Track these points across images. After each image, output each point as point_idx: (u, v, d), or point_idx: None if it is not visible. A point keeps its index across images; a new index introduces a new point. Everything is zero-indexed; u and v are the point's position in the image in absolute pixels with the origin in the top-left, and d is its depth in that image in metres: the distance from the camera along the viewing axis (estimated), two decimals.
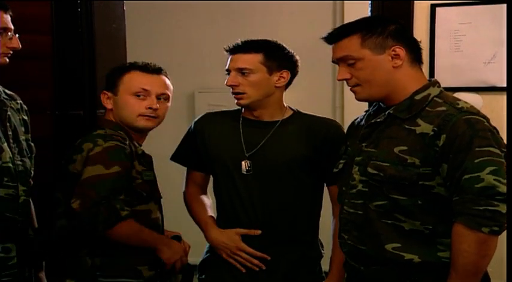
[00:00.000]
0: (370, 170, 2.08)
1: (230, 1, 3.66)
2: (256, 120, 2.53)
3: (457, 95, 2.82)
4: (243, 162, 2.48)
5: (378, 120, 2.12)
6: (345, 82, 2.17)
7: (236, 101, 2.49)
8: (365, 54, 2.08)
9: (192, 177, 2.68)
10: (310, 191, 2.56)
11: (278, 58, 2.49)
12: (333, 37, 2.14)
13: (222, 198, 2.55)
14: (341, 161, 2.28)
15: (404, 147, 2.02)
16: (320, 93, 3.48)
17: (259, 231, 2.47)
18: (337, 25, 2.73)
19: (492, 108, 2.87)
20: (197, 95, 4.51)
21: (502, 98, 2.89)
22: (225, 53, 2.51)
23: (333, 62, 2.20)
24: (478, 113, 2.02)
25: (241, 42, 2.49)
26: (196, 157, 2.61)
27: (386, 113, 2.10)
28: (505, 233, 1.94)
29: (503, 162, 1.93)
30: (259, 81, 2.45)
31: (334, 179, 2.37)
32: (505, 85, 2.87)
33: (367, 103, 2.81)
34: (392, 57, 2.08)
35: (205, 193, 2.70)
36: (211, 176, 2.66)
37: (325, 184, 2.59)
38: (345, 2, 3.25)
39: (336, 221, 2.45)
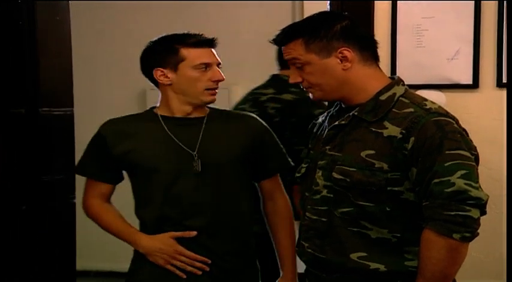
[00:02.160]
0: (335, 175, 2.07)
1: None
2: (182, 118, 2.50)
3: (420, 92, 2.86)
4: (190, 162, 2.44)
5: (343, 122, 2.12)
6: None
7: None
8: (311, 58, 2.08)
9: (98, 189, 2.58)
10: (248, 190, 2.58)
11: None
12: (279, 41, 2.15)
13: (155, 203, 2.46)
14: (303, 165, 2.27)
15: (372, 151, 2.02)
16: None
17: (195, 233, 2.43)
18: None
19: (455, 106, 2.85)
20: (149, 92, 4.38)
21: (466, 96, 2.92)
22: None
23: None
24: (446, 114, 2.04)
25: None
26: (108, 168, 2.54)
27: (351, 114, 2.10)
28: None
29: (474, 165, 1.95)
30: None
31: (265, 174, 2.52)
32: (468, 82, 2.91)
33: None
34: (340, 60, 2.07)
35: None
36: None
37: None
38: (304, 2, 3.27)
39: (271, 218, 2.59)
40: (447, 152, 1.93)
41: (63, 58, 2.83)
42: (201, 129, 2.49)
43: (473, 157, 1.97)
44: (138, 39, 4.06)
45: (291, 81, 2.18)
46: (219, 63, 2.49)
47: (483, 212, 1.93)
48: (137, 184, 2.52)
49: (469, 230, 1.89)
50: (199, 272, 2.44)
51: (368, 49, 2.13)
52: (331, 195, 2.09)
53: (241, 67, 3.48)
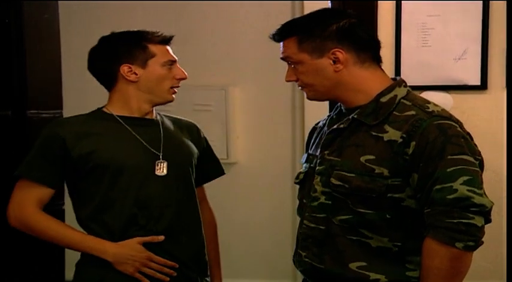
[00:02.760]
0: (333, 180, 2.03)
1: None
2: (141, 118, 2.47)
3: (425, 94, 2.84)
4: (157, 164, 2.42)
5: (342, 126, 2.08)
6: None
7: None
8: (303, 58, 2.06)
9: (37, 196, 2.42)
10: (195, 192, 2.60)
11: None
12: (276, 37, 2.13)
13: (123, 206, 2.39)
14: (301, 170, 2.23)
15: (372, 156, 1.97)
16: (278, 92, 3.47)
17: (163, 237, 2.39)
18: None
19: (463, 108, 2.88)
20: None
21: (474, 97, 2.90)
22: None
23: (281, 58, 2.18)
24: (450, 117, 1.99)
25: None
26: (57, 171, 2.41)
27: (351, 117, 2.06)
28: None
29: (478, 171, 1.91)
30: None
31: (203, 179, 2.61)
32: (476, 83, 2.88)
33: (328, 103, 2.82)
34: (333, 61, 2.04)
35: None
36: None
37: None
38: (304, 2, 3.25)
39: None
40: (450, 157, 1.88)
41: (52, 58, 2.81)
42: (161, 131, 2.48)
43: (477, 162, 1.93)
44: None
45: (286, 79, 2.17)
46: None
47: (488, 220, 1.89)
48: (97, 187, 2.40)
49: (473, 238, 1.84)
50: (168, 279, 2.40)
51: (367, 50, 2.08)
52: (330, 202, 2.05)
53: (239, 68, 3.46)
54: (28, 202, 2.41)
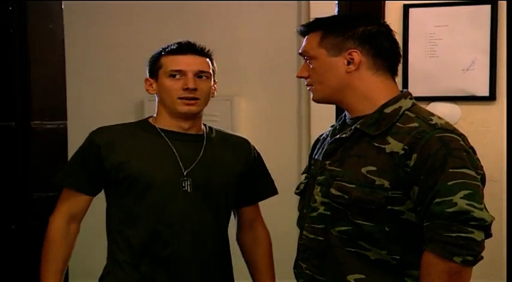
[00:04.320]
0: (333, 191, 2.05)
1: (183, 1, 3.64)
2: (183, 133, 2.49)
3: (433, 105, 2.85)
4: (183, 181, 2.42)
5: (344, 135, 2.11)
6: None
7: None
8: (320, 53, 2.10)
9: (74, 205, 2.49)
10: (228, 213, 2.59)
11: None
12: (301, 30, 2.18)
13: (139, 221, 2.43)
14: (302, 181, 2.26)
15: (373, 168, 2.00)
16: (284, 102, 3.49)
17: None
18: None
19: (471, 119, 2.86)
20: (147, 103, 4.33)
21: (482, 109, 2.88)
22: None
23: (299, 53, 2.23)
24: (453, 130, 2.01)
25: None
26: (94, 179, 2.47)
27: (353, 127, 2.09)
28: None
29: (479, 185, 1.92)
30: None
31: (248, 200, 2.59)
32: (485, 94, 2.87)
33: (334, 113, 2.86)
34: (348, 62, 2.08)
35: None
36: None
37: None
38: (310, 2, 3.26)
39: (251, 248, 2.65)
40: (451, 170, 1.90)
41: (56, 68, 2.83)
42: (202, 147, 2.49)
43: (479, 177, 1.94)
44: (136, 49, 4.08)
45: (297, 74, 2.21)
46: (201, 72, 2.46)
47: (488, 235, 1.90)
48: (125, 200, 2.45)
49: (471, 253, 1.85)
50: None
51: (384, 59, 2.12)
52: (329, 213, 2.08)
53: (244, 78, 3.48)
54: (59, 213, 2.48)
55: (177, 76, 2.43)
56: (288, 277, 2.40)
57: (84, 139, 2.50)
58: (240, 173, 2.55)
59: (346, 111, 2.19)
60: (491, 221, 1.89)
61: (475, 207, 1.86)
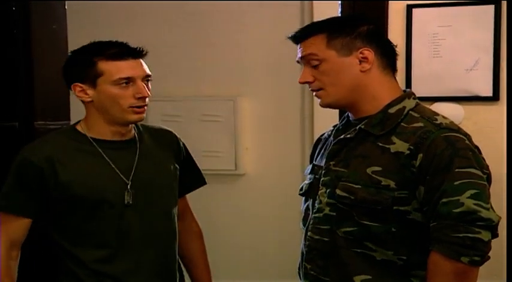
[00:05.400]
0: (339, 192, 2.05)
1: (186, 1, 3.63)
2: (116, 141, 2.36)
3: (436, 105, 2.85)
4: (126, 193, 2.32)
5: (348, 136, 2.11)
6: None
7: None
8: (330, 55, 2.08)
9: (15, 229, 2.32)
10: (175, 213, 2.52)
11: None
12: (299, 35, 2.14)
13: (90, 239, 2.32)
14: (306, 182, 2.26)
15: (378, 168, 2.00)
16: (287, 102, 3.48)
17: None
18: None
19: (475, 120, 2.86)
20: (149, 104, 4.40)
21: (486, 109, 2.88)
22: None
23: (297, 61, 2.19)
24: (458, 129, 2.01)
25: None
26: (36, 199, 2.30)
27: (357, 127, 2.09)
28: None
29: (486, 184, 1.93)
30: None
31: (183, 190, 2.54)
32: (488, 94, 2.87)
33: (338, 114, 2.85)
34: (360, 60, 2.08)
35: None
36: None
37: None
38: (313, 2, 3.26)
39: (183, 237, 2.55)
40: (457, 170, 1.90)
41: (60, 69, 2.83)
42: (136, 153, 2.39)
43: (485, 176, 1.95)
44: None
45: (300, 80, 2.17)
46: (148, 76, 2.33)
47: (495, 235, 1.90)
48: (73, 218, 2.33)
49: (479, 253, 1.85)
50: None
51: (387, 57, 2.13)
52: (334, 214, 2.08)
53: (247, 78, 3.47)
54: (1, 244, 2.30)
55: (124, 83, 2.27)
56: (293, 277, 2.40)
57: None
58: (175, 168, 2.48)
59: (349, 112, 2.19)
60: (498, 221, 1.89)
61: (482, 207, 1.86)
